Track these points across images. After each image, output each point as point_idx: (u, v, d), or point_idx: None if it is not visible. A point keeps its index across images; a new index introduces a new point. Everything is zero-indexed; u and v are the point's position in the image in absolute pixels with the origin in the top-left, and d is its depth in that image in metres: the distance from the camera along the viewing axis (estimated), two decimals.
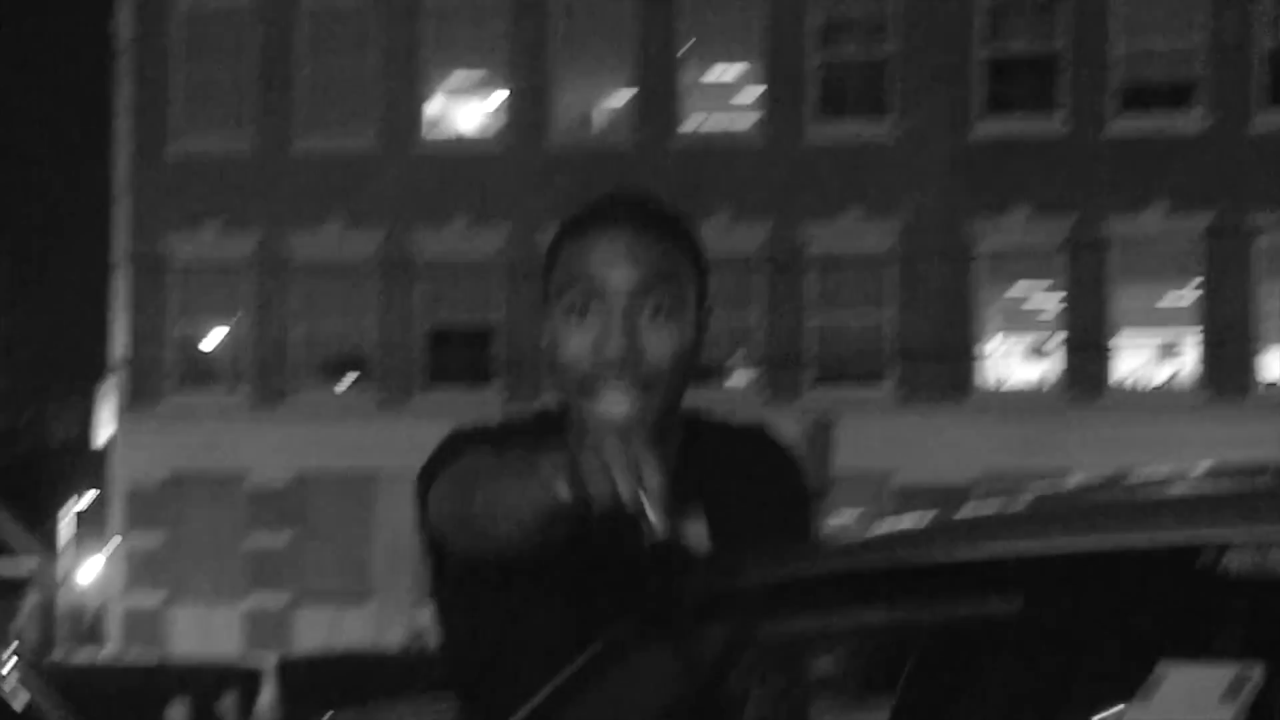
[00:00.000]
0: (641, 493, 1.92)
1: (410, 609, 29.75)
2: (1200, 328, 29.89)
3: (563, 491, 1.94)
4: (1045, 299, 30.83)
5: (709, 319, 2.45)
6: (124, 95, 32.52)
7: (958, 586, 2.29)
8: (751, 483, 2.50)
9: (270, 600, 31.20)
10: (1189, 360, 30.40)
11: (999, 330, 31.36)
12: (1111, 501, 2.44)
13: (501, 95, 32.62)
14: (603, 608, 2.34)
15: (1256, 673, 1.92)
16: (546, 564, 2.21)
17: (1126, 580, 2.19)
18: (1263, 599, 2.07)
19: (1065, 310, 30.27)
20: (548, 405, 2.55)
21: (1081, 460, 29.85)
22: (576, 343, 2.34)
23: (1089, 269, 30.13)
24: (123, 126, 32.28)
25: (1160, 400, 29.68)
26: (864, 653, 3.21)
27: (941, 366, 30.55)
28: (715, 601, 2.37)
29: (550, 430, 2.44)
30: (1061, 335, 30.16)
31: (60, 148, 36.70)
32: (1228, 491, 2.32)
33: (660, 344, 2.33)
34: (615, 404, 2.33)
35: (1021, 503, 2.47)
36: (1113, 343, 30.07)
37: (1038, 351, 30.58)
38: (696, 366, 2.41)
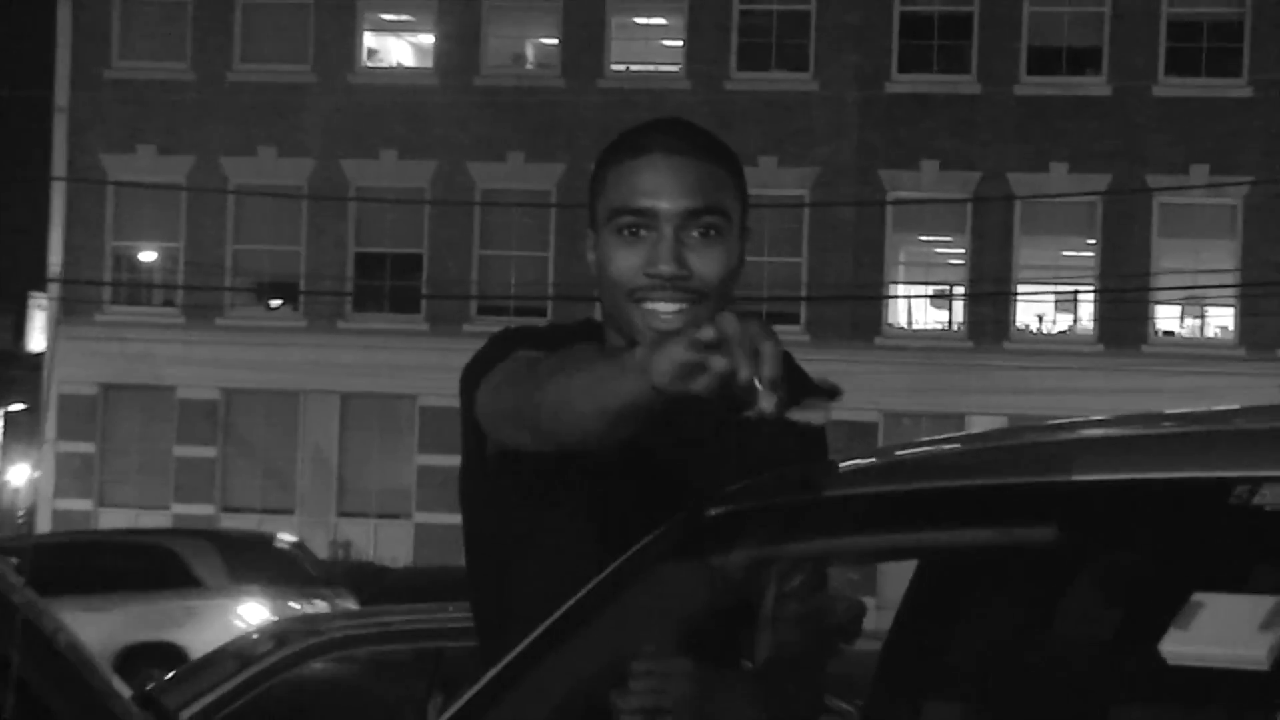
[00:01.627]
0: (760, 376, 1.84)
1: (332, 521, 30.74)
2: (1097, 282, 30.19)
3: (673, 379, 1.87)
4: (951, 249, 31.32)
5: (747, 242, 2.48)
6: (65, 18, 32.14)
7: (990, 514, 2.29)
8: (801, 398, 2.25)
9: (196, 510, 31.10)
10: (1087, 312, 30.45)
11: (906, 277, 31.92)
12: (1145, 434, 2.42)
13: (435, 32, 32.42)
14: (636, 517, 2.35)
15: None
16: (604, 461, 2.26)
17: (1159, 513, 2.20)
18: None
19: (970, 260, 30.62)
20: (591, 318, 2.63)
21: (982, 404, 30.66)
22: (628, 261, 2.39)
23: (994, 222, 30.37)
24: (63, 48, 31.96)
25: (1058, 348, 29.84)
26: (874, 573, 3.84)
27: (851, 309, 30.63)
28: (738, 520, 2.36)
29: (594, 338, 2.51)
30: (965, 284, 30.48)
31: (0, 66, 36.63)
32: (1262, 428, 2.30)
33: (708, 263, 2.36)
34: (665, 315, 2.37)
35: (1052, 434, 2.49)
36: (1014, 292, 30.48)
37: (943, 298, 31.06)
38: (737, 283, 2.45)
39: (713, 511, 2.31)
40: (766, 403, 1.78)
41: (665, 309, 2.35)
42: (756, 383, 1.78)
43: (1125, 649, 2.51)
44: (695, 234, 2.34)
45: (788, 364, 1.96)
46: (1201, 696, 2.30)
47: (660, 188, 2.35)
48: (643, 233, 2.35)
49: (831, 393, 2.01)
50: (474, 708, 2.29)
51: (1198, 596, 1.99)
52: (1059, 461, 2.24)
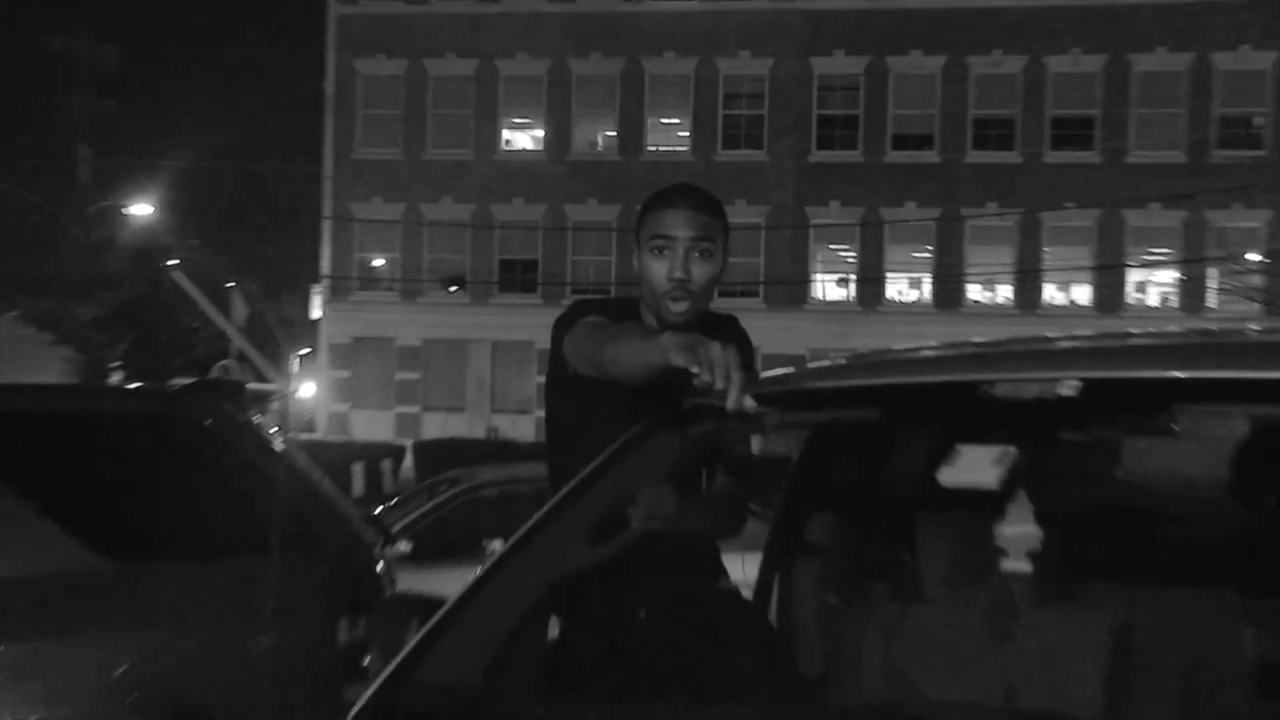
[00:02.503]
0: (730, 382, 2.48)
1: (487, 414, 37.58)
2: (933, 272, 37.77)
3: (678, 360, 2.52)
4: (848, 254, 38.83)
5: (727, 259, 3.20)
6: (329, 120, 40.36)
7: (841, 403, 2.95)
8: (734, 341, 2.87)
9: (409, 409, 38.99)
10: (927, 289, 38.22)
11: (821, 270, 38.94)
12: (937, 356, 2.94)
13: (544, 128, 39.18)
14: (644, 413, 2.99)
15: (1013, 450, 2.63)
16: (635, 389, 2.89)
17: (940, 401, 2.77)
18: (1017, 412, 2.66)
19: (860, 259, 38.58)
20: (632, 296, 3.29)
21: (866, 344, 30.49)
22: (657, 270, 3.18)
23: (872, 238, 38.40)
24: (328, 138, 40.29)
25: (909, 311, 37.58)
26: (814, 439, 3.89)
27: (790, 289, 37.96)
28: (699, 411, 2.91)
29: (633, 312, 3.26)
30: (856, 273, 38.45)
31: (285, 142, 42.92)
32: (995, 352, 2.86)
33: (701, 272, 3.19)
34: (677, 307, 3.20)
35: (880, 355, 3.05)
36: (883, 278, 38.13)
37: (842, 282, 38.60)
38: (718, 283, 3.23)
39: (685, 405, 2.90)
40: (731, 402, 2.44)
41: (677, 307, 3.21)
42: (731, 387, 2.43)
43: (928, 483, 3.10)
44: (696, 254, 3.14)
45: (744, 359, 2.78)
46: (966, 508, 2.92)
47: (677, 225, 3.15)
48: (665, 251, 3.15)
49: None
50: (544, 519, 2.86)
51: (960, 447, 2.68)
52: (884, 370, 2.89)
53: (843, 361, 3.07)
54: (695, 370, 2.53)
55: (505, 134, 40.44)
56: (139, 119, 46.26)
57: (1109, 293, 37.77)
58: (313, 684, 4.92)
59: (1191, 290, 37.13)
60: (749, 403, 2.59)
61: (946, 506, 3.16)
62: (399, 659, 2.66)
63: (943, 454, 2.95)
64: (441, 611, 2.73)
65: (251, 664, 4.92)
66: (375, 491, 25.36)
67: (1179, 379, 2.53)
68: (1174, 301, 37.64)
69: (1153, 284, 38.72)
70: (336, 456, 26.12)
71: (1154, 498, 3.47)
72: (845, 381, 2.95)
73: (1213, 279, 36.62)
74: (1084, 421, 2.88)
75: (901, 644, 3.22)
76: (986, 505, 2.87)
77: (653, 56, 39.46)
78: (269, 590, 4.94)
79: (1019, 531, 2.82)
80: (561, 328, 3.24)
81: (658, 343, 2.68)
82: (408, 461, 29.95)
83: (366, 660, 4.51)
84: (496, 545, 8.71)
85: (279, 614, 4.99)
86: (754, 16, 39.05)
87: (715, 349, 2.55)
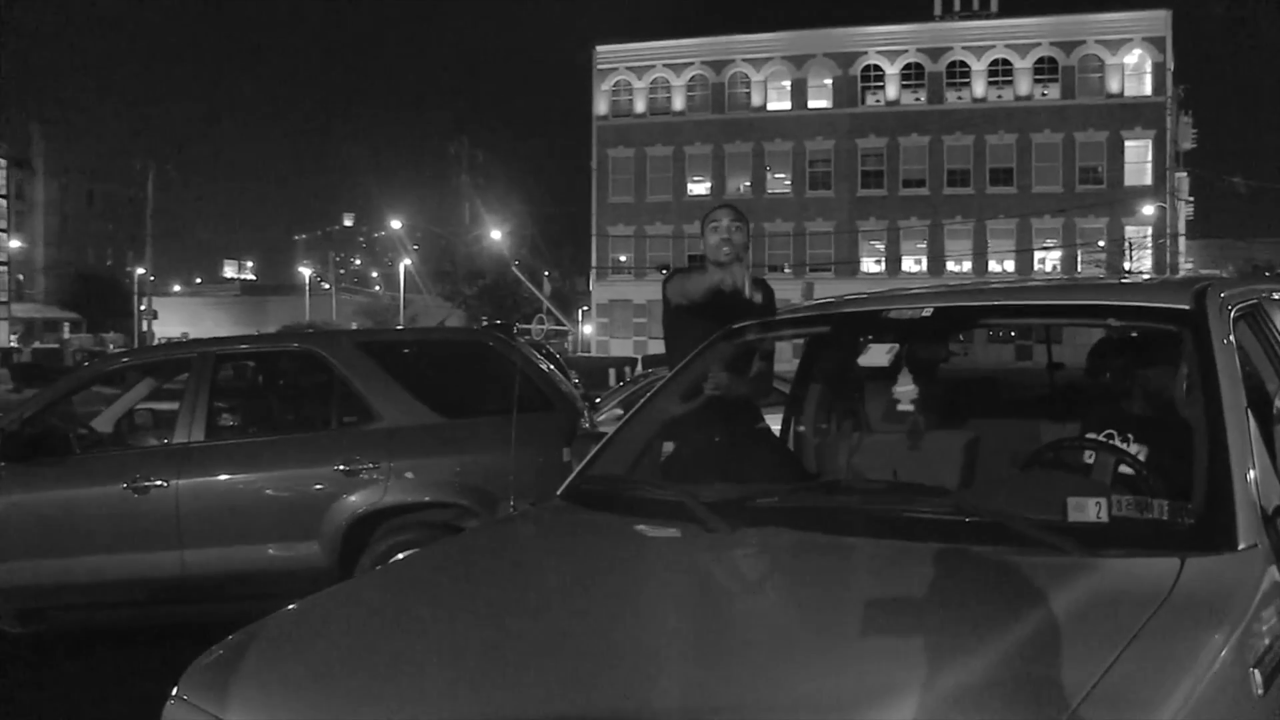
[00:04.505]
0: (745, 285, 4.25)
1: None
2: (926, 255, 58.82)
3: (716, 280, 4.47)
4: (879, 244, 59.86)
5: (750, 241, 4.70)
6: (594, 183, 61.90)
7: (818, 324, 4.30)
8: (764, 295, 4.56)
9: (639, 339, 57.62)
10: (924, 265, 58.59)
11: (864, 255, 60.20)
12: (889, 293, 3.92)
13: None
14: (719, 322, 4.14)
15: (898, 346, 3.66)
16: (704, 303, 4.40)
17: (863, 322, 3.88)
18: (904, 326, 3.79)
19: (885, 250, 59.27)
20: (696, 261, 5.66)
21: None
22: (713, 239, 4.84)
23: (893, 237, 59.62)
24: (594, 193, 61.95)
25: (915, 277, 57.02)
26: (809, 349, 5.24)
27: (847, 265, 58.32)
28: (747, 328, 4.16)
29: (701, 269, 4.87)
30: (884, 256, 59.11)
31: (573, 196, 66.17)
32: (898, 294, 3.76)
33: (739, 239, 4.81)
34: (722, 252, 4.85)
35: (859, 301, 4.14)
36: (901, 257, 59.50)
37: (877, 263, 59.21)
38: (748, 244, 4.68)
39: (735, 326, 4.15)
40: (745, 292, 3.98)
41: (722, 252, 4.82)
42: (744, 287, 4.09)
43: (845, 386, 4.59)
44: (734, 228, 4.71)
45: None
46: (883, 379, 4.08)
47: (722, 215, 4.89)
48: (717, 227, 4.77)
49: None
50: (659, 390, 4.02)
51: (873, 345, 3.80)
52: (834, 308, 4.06)
53: (817, 303, 4.52)
54: (726, 279, 4.39)
55: (689, 186, 63.23)
56: (489, 194, 67.89)
57: (1024, 265, 58.80)
58: (549, 480, 5.73)
59: (1068, 265, 57.82)
60: (757, 296, 4.25)
61: (874, 377, 4.64)
62: (583, 463, 4.02)
63: (867, 349, 4.19)
64: (604, 439, 4.07)
65: (519, 468, 6.71)
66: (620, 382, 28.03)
67: (981, 306, 3.96)
68: (1059, 270, 57.38)
69: (1048, 260, 59.31)
70: (599, 365, 35.98)
71: (982, 372, 5.89)
72: (815, 313, 4.41)
73: (1080, 257, 57.30)
74: (935, 329, 4.23)
75: (858, 452, 4.68)
76: (888, 376, 4.21)
77: (769, 140, 62.98)
78: (525, 433, 6.74)
79: (907, 390, 4.13)
80: (665, 282, 5.09)
81: (708, 277, 4.62)
82: (639, 369, 34.31)
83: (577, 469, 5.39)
84: None
85: (532, 443, 7.07)
86: (824, 115, 62.06)
87: (734, 270, 4.39)
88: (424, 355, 8.38)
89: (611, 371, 33.37)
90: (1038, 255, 60.04)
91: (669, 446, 4.45)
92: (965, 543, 2.97)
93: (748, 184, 63.07)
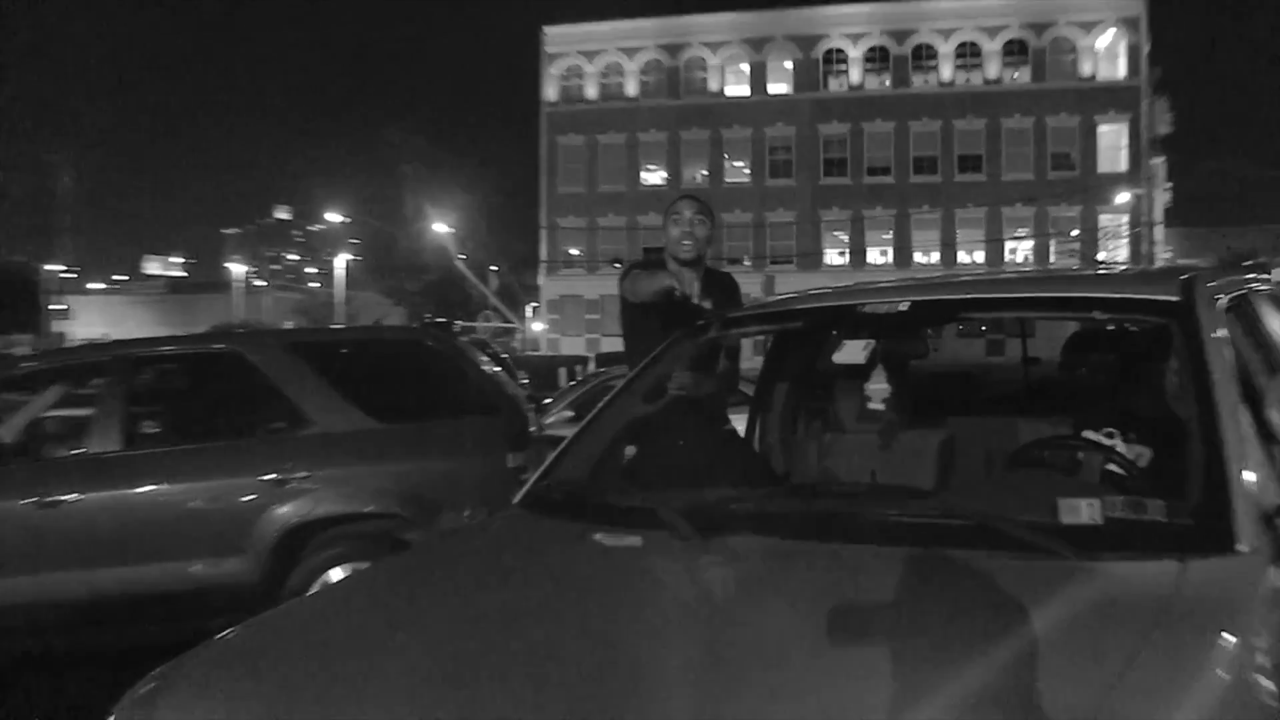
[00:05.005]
0: (691, 290, 4.62)
1: None
2: (893, 246, 62.65)
3: (669, 282, 4.64)
4: (842, 236, 60.95)
5: (714, 236, 4.97)
6: (543, 172, 63.04)
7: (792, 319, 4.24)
8: (725, 290, 4.90)
9: (590, 336, 58.20)
10: (890, 256, 61.07)
11: (828, 246, 60.82)
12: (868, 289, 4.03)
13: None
14: (670, 327, 4.19)
15: (873, 342, 4.05)
16: (656, 305, 4.66)
17: (836, 317, 4.04)
18: (877, 321, 3.88)
19: (849, 240, 60.60)
20: (661, 252, 5.30)
21: None
22: (675, 233, 5.11)
23: (857, 227, 60.59)
24: (544, 182, 62.40)
25: (882, 269, 59.01)
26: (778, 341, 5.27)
27: (809, 257, 59.10)
28: (710, 324, 4.16)
29: (660, 264, 5.14)
30: (848, 247, 60.50)
31: (521, 188, 63.66)
32: (873, 288, 3.98)
33: (699, 234, 5.06)
34: (684, 246, 5.12)
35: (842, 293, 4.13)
36: (866, 248, 61.30)
37: (842, 253, 60.07)
38: (710, 241, 4.99)
39: (700, 323, 4.15)
40: (694, 297, 4.39)
41: (684, 246, 5.10)
42: (691, 292, 4.41)
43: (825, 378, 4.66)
44: (696, 221, 4.93)
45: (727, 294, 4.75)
46: (854, 375, 4.41)
47: (685, 206, 5.10)
48: (680, 222, 4.99)
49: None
50: (621, 390, 4.05)
51: (846, 341, 4.05)
52: (804, 301, 4.08)
53: (784, 298, 4.55)
54: (676, 286, 4.53)
55: (644, 176, 63.40)
56: (434, 185, 64.95)
57: (994, 255, 58.59)
58: (494, 488, 6.80)
59: (1040, 253, 58.12)
60: (696, 290, 4.53)
61: (846, 375, 4.70)
62: (542, 469, 4.01)
63: (839, 345, 4.40)
64: (564, 443, 4.06)
65: (460, 476, 7.26)
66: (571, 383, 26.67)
67: (959, 299, 3.94)
68: (1030, 260, 57.64)
69: (1019, 250, 59.08)
70: (549, 364, 34.53)
71: (955, 368, 5.91)
72: (786, 308, 4.43)
73: (1052, 246, 57.56)
74: (910, 324, 4.24)
75: (828, 454, 4.70)
76: (861, 374, 4.40)
77: (727, 127, 62.46)
78: (468, 437, 7.20)
79: (880, 388, 4.37)
80: (622, 277, 5.20)
81: (660, 278, 4.71)
82: (591, 367, 34.49)
83: (525, 474, 6.27)
84: None
85: (475, 449, 7.32)
86: (785, 100, 62.02)
87: (683, 275, 4.61)
88: (358, 356, 8.34)
89: (562, 371, 32.81)
90: (1009, 245, 60.08)
91: (631, 450, 4.43)
92: (952, 547, 2.95)
93: (705, 173, 63.40)
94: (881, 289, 4.33)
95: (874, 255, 62.04)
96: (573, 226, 64.18)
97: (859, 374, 4.60)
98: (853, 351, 4.42)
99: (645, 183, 63.66)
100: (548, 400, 14.19)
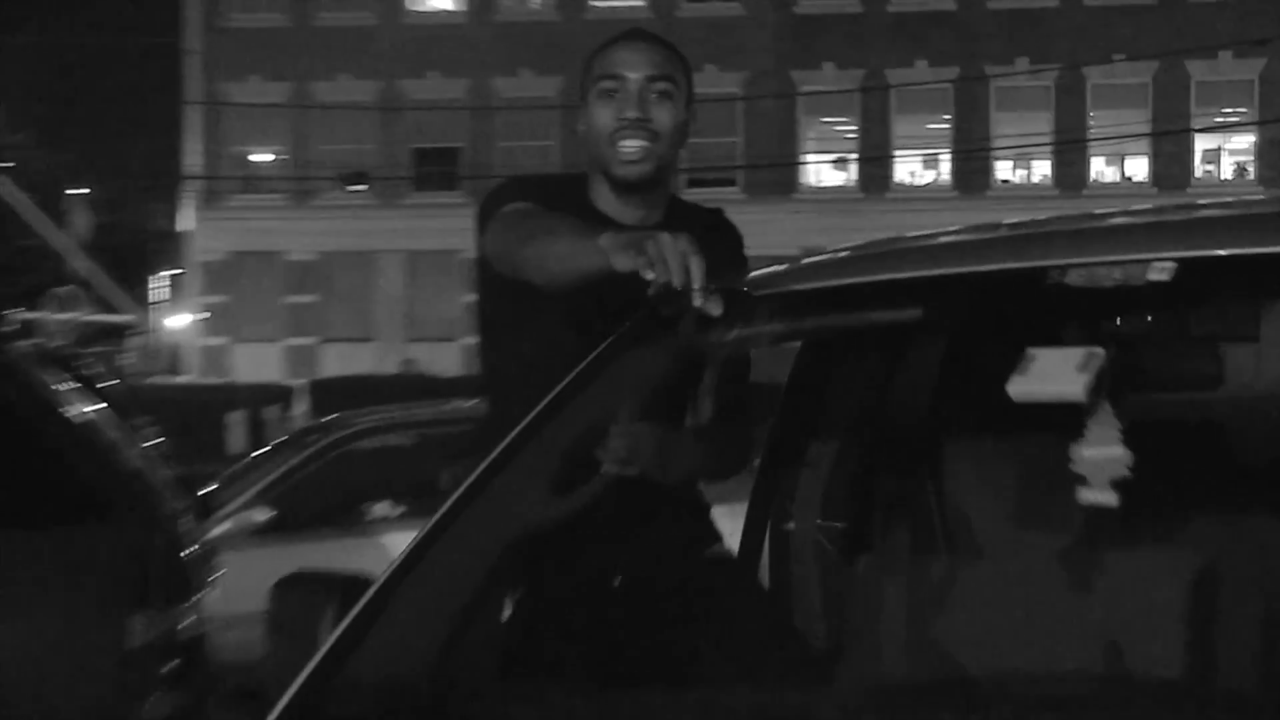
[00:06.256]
0: (691, 279, 2.66)
1: (400, 345, 40.05)
2: (952, 147, 40.93)
3: (622, 262, 2.69)
4: (846, 128, 42.10)
5: (693, 109, 3.43)
6: None
7: (866, 304, 3.09)
8: (711, 243, 3.05)
9: (303, 342, 42.07)
10: (945, 168, 41.43)
11: (815, 149, 42.37)
12: (989, 238, 3.15)
13: None
14: (601, 332, 3.08)
15: (1100, 353, 2.68)
16: (572, 298, 3.06)
17: (993, 295, 3.02)
18: (1097, 303, 2.95)
19: (860, 134, 41.78)
20: (582, 172, 3.50)
21: (870, 239, 42.14)
22: (606, 112, 3.35)
23: (875, 107, 41.47)
24: (193, 7, 43.05)
25: (925, 197, 40.60)
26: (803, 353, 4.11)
27: (775, 173, 40.71)
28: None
29: (578, 195, 3.43)
30: (858, 151, 41.41)
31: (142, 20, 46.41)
32: (1065, 229, 3.07)
33: (663, 114, 3.35)
34: (630, 149, 3.34)
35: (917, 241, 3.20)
36: (892, 156, 41.26)
37: (841, 163, 41.82)
38: (686, 134, 3.43)
39: (665, 312, 2.93)
40: (696, 300, 2.66)
41: (631, 145, 3.34)
42: (692, 285, 2.63)
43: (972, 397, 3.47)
44: (653, 95, 3.33)
45: (724, 246, 3.22)
46: (1034, 425, 3.07)
47: (628, 60, 3.36)
48: (617, 93, 3.34)
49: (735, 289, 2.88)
50: (491, 468, 2.96)
51: (1030, 350, 2.70)
52: (919, 259, 3.05)
53: (875, 249, 3.23)
54: (648, 273, 2.65)
55: None
56: None
57: (1172, 165, 40.15)
58: (83, 696, 5.27)
59: (1272, 158, 39.53)
60: (716, 306, 2.78)
61: (991, 428, 3.51)
62: (321, 654, 2.81)
63: (993, 360, 2.93)
64: (371, 592, 2.88)
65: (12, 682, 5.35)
66: (259, 447, 27.87)
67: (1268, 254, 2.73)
68: (1252, 173, 39.97)
69: (1227, 152, 41.21)
70: (209, 403, 27.81)
71: (1191, 407, 3.80)
72: (877, 275, 3.05)
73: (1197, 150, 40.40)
74: (1179, 312, 3.39)
75: (928, 604, 3.56)
76: (1056, 423, 2.91)
77: None
78: (34, 583, 5.46)
79: (1110, 455, 2.83)
80: (486, 214, 3.32)
81: (595, 243, 2.77)
82: (303, 406, 30.66)
83: (169, 666, 5.18)
84: (382, 509, 9.55)
85: (49, 609, 5.49)
86: None
87: (665, 240, 2.67)
88: None
89: (234, 418, 26.09)
90: (1203, 142, 41.96)
91: (514, 605, 3.31)
92: None
93: None
94: (1074, 231, 3.03)
95: (906, 169, 43.05)
96: (259, 103, 43.30)
97: (1053, 421, 2.93)
98: (1049, 374, 2.76)
99: (420, 7, 44.46)
100: (216, 484, 10.10)
